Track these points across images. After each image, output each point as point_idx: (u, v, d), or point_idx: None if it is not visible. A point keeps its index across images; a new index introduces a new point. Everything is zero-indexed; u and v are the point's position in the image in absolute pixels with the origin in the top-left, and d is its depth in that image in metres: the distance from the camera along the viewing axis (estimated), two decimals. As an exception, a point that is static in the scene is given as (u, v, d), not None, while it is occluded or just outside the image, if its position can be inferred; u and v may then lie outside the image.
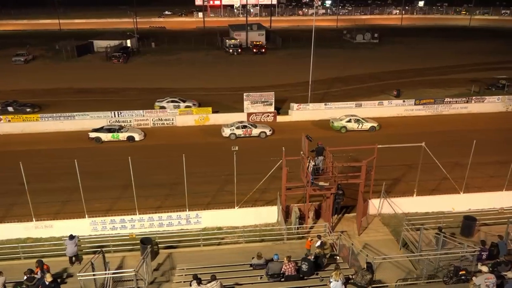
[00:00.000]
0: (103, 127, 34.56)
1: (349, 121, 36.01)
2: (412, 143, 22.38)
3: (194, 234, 20.85)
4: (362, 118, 36.39)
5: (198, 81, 52.42)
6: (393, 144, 23.10)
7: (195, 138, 35.01)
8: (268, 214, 22.37)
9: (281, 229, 21.11)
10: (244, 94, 38.48)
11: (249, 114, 38.13)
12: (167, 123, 37.43)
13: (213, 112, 38.74)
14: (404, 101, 41.03)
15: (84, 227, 21.26)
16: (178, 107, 39.34)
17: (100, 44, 71.46)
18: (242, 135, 34.53)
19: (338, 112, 38.26)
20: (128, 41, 74.07)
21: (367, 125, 36.02)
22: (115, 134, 33.54)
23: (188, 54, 69.83)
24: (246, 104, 38.30)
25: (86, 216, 21.26)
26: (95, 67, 61.17)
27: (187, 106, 39.54)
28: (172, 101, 40.10)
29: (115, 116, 36.87)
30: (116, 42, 71.59)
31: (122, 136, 33.66)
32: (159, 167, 28.82)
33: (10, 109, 39.31)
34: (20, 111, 39.05)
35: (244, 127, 34.67)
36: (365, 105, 40.16)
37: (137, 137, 33.90)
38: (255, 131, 34.73)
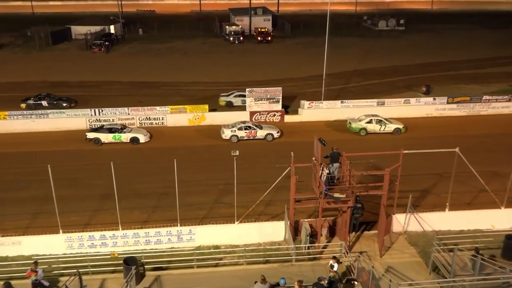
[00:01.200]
0: (103, 126, 34.85)
1: (370, 122, 35.97)
2: (444, 148, 22.25)
3: (187, 253, 20.78)
4: (385, 119, 36.33)
5: (192, 74, 52.59)
6: (421, 149, 23.00)
7: (188, 141, 35.07)
8: (274, 231, 22.32)
9: (289, 249, 21.03)
10: (247, 89, 38.54)
11: (252, 113, 38.17)
12: (156, 123, 37.55)
13: (210, 110, 38.82)
14: (434, 99, 40.94)
15: (58, 244, 21.25)
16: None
17: (78, 30, 71.86)
18: (245, 138, 34.56)
19: (356, 112, 38.22)
20: (112, 27, 74.45)
21: (391, 127, 35.97)
22: (116, 135, 33.79)
23: (182, 43, 70.08)
24: (248, 101, 38.36)
25: (61, 231, 21.25)
26: (73, 57, 61.51)
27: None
28: (240, 95, 40.87)
29: (95, 114, 37.02)
30: (98, 28, 71.98)
31: (125, 137, 33.89)
32: (147, 174, 28.88)
33: (44, 103, 40.11)
34: (55, 106, 39.88)
35: (248, 128, 34.71)
36: (388, 104, 40.09)
37: (142, 138, 34.10)
38: (261, 133, 34.76)
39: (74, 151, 32.75)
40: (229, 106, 40.42)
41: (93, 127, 35.80)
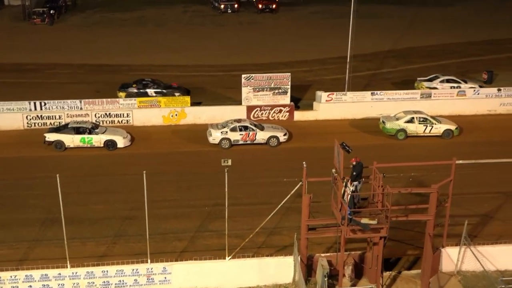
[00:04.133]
0: (67, 125, 34.90)
1: (411, 121, 36.01)
2: (511, 157, 22.31)
3: (160, 300, 20.79)
4: (432, 117, 36.39)
5: (169, 53, 52.68)
6: (481, 158, 23.03)
7: (163, 145, 35.14)
8: (279, 270, 22.30)
9: (299, 294, 21.06)
10: (243, 75, 38.58)
11: (250, 108, 38.31)
12: (118, 121, 37.58)
13: (193, 104, 38.92)
14: (499, 90, 40.99)
15: (-17, 286, 21.25)
16: (459, 88, 41.51)
17: (13, -7, 72.00)
18: (241, 142, 34.63)
19: (392, 107, 38.31)
20: (59, -10, 74.57)
21: (439, 128, 36.01)
22: (86, 136, 33.97)
23: (155, 11, 70.15)
24: (245, 92, 38.44)
25: (-13, 268, 21.29)
26: (5, 30, 61.45)
27: (471, 88, 41.64)
28: (449, 81, 42.28)
29: (35, 108, 37.02)
30: (40, -9, 72.14)
31: (97, 140, 34.03)
32: (106, 191, 28.94)
33: (150, 92, 40.80)
34: (165, 95, 40.40)
35: (244, 128, 34.75)
36: (436, 96, 40.21)
37: (120, 141, 34.26)
38: (261, 135, 34.81)
39: (8, 159, 32.74)
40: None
41: (53, 125, 35.79)
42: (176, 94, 40.84)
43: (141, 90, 40.94)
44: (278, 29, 62.89)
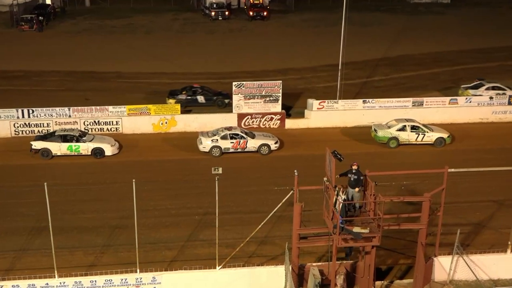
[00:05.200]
0: (54, 133, 34.84)
1: (403, 129, 36.13)
2: (504, 165, 22.41)
3: (149, 310, 20.71)
4: (424, 125, 36.54)
5: (159, 61, 52.67)
6: (473, 167, 23.12)
7: (152, 153, 35.04)
8: (270, 279, 22.25)
9: (291, 304, 21.00)
10: (234, 83, 38.64)
11: (241, 116, 38.35)
12: (107, 129, 37.49)
13: (183, 112, 38.96)
14: (491, 98, 41.28)
15: (-32, 297, 21.09)
16: (504, 95, 41.54)
17: (1, 0, 71.81)
18: (232, 150, 34.63)
19: (384, 115, 38.45)
20: (48, -4, 74.50)
21: (431, 136, 36.14)
22: (73, 144, 33.92)
23: (144, 18, 70.17)
24: (236, 99, 38.50)
25: (-27, 278, 21.15)
26: (-7, 37, 61.46)
27: None
28: (494, 88, 42.47)
29: (23, 115, 36.88)
30: (28, -2, 72.06)
31: (85, 148, 34.01)
32: (95, 199, 28.81)
33: (200, 99, 41.03)
34: (214, 102, 40.94)
35: (235, 136, 34.76)
36: (428, 104, 40.34)
37: (108, 149, 34.20)
38: (252, 144, 34.82)
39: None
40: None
41: (41, 133, 35.68)
42: (226, 101, 41.16)
43: (191, 97, 41.15)
44: (269, 37, 63.07)
